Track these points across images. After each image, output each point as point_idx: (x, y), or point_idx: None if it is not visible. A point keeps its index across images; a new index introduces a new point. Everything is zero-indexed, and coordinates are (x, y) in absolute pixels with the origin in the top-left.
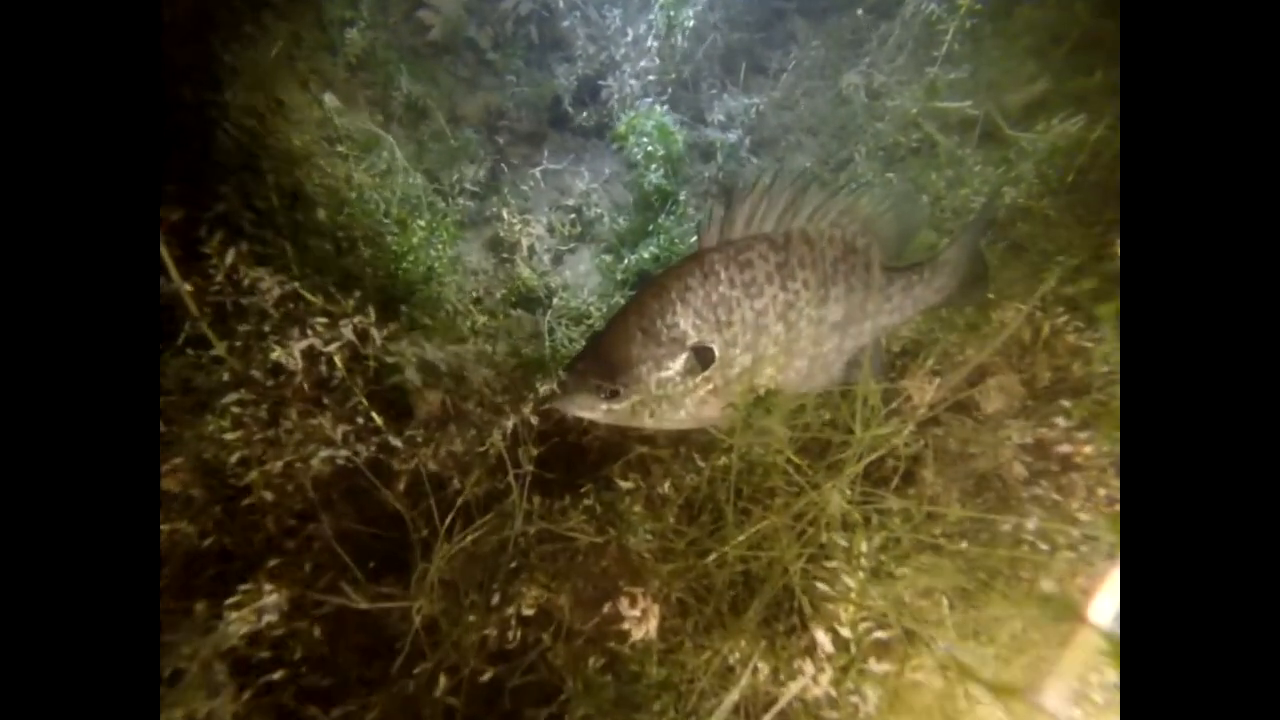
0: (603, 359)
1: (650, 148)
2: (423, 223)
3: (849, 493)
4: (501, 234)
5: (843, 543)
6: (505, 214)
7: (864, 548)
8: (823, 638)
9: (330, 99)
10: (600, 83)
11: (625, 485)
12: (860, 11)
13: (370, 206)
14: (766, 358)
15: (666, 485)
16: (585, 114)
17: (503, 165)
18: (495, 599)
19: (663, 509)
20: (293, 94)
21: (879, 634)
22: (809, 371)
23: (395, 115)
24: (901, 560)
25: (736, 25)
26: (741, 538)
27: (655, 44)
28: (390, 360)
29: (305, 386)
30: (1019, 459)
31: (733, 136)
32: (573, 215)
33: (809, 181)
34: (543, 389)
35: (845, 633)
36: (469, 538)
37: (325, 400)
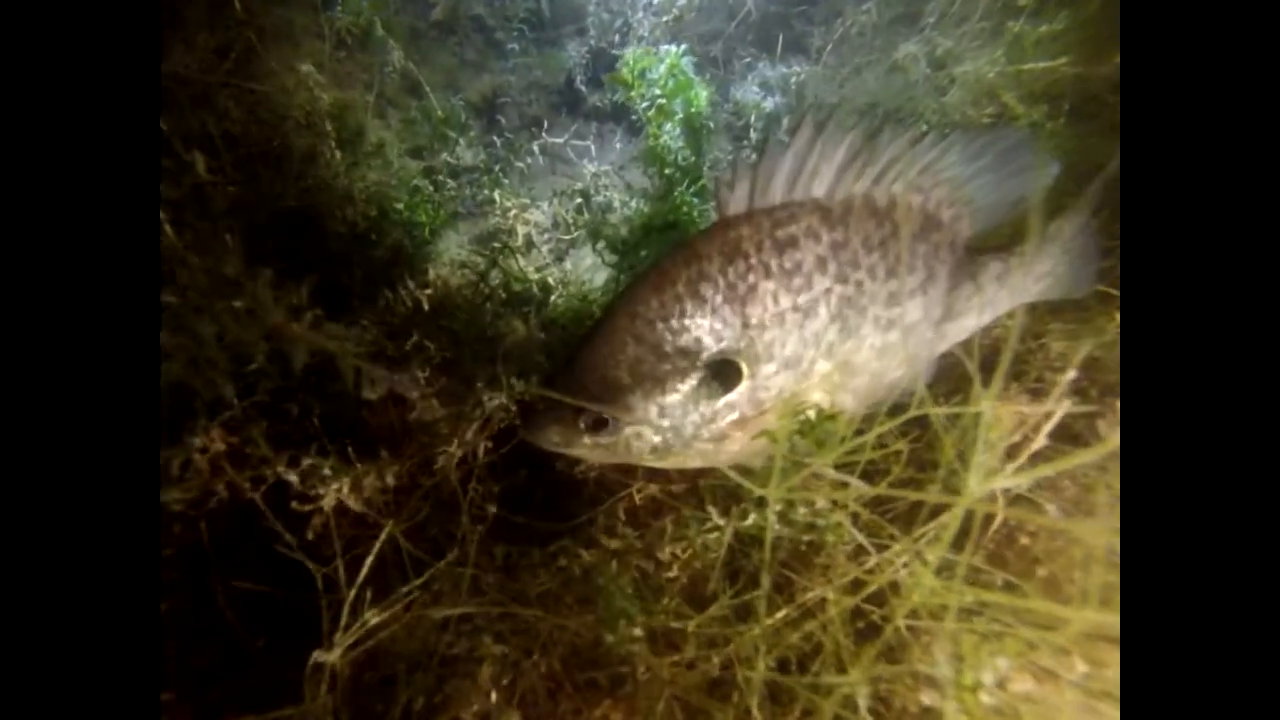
0: (584, 376)
1: (662, 100)
2: (400, 206)
3: (942, 572)
4: (495, 222)
5: (943, 665)
6: (498, 197)
7: (980, 677)
8: None
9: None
10: (615, 54)
11: (611, 544)
12: None
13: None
14: (814, 377)
15: (668, 549)
16: (598, 95)
17: (495, 141)
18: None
19: (662, 579)
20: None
21: None
22: (869, 392)
23: (389, 96)
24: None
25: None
26: (767, 623)
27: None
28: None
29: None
30: None
31: (770, 104)
32: (578, 201)
33: (880, 123)
34: (491, 403)
35: None
36: (372, 618)
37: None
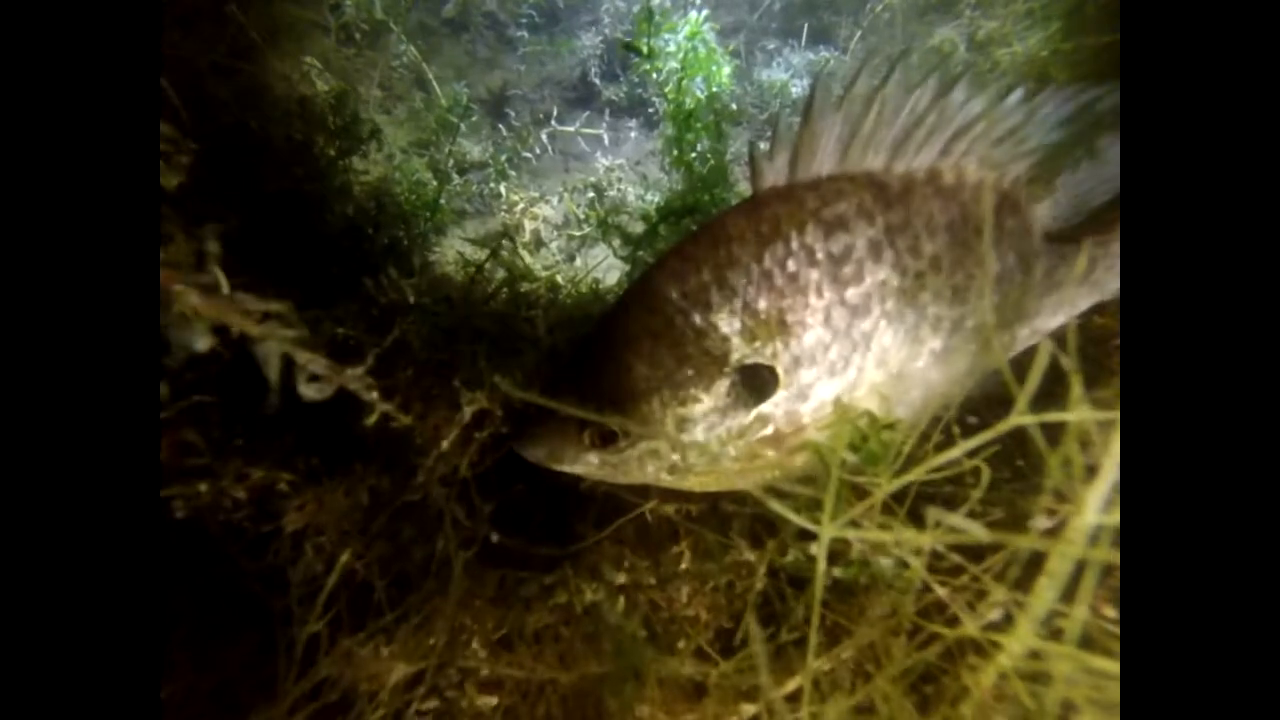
0: (590, 380)
1: (682, 74)
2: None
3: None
4: (502, 218)
5: None
6: (503, 191)
7: None
8: None
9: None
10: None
11: (618, 578)
12: None
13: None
14: (864, 386)
15: (686, 592)
16: (613, 89)
17: (504, 135)
18: None
19: (680, 615)
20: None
21: None
22: (925, 404)
23: (399, 92)
24: None
25: None
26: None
27: None
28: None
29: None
30: None
31: (798, 87)
32: (590, 195)
33: (955, 79)
34: (468, 407)
35: None
36: (325, 669)
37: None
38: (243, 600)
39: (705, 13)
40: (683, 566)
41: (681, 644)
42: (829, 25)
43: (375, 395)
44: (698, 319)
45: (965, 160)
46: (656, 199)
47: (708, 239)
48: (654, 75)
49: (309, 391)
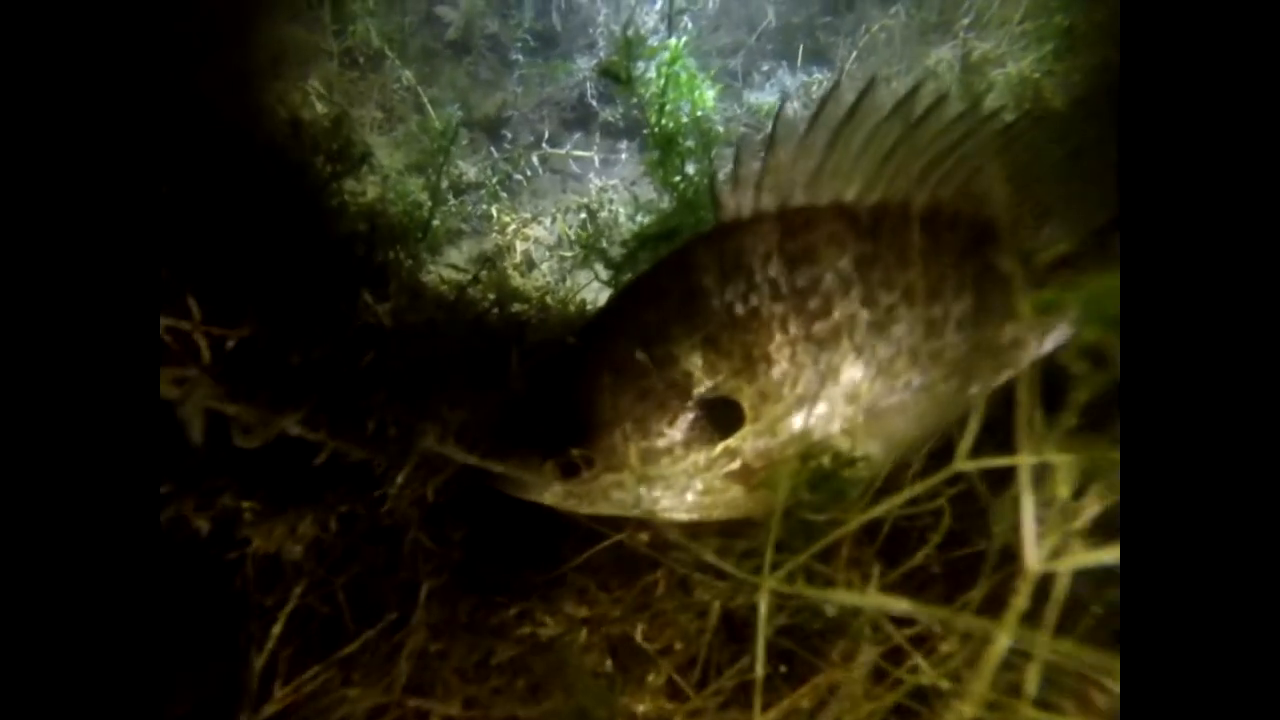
0: (554, 413)
1: (662, 99)
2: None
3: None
4: (495, 239)
5: None
6: (495, 212)
7: None
8: None
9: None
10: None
11: (579, 611)
12: None
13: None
14: (836, 421)
15: (655, 625)
16: (609, 110)
17: (493, 151)
18: None
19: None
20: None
21: None
22: (903, 439)
23: (400, 114)
24: None
25: (797, 8)
26: None
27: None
28: None
29: None
30: None
31: (791, 110)
32: (583, 216)
33: (935, 101)
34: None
35: None
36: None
37: None
38: (208, 628)
39: (685, 39)
40: (657, 596)
41: (652, 677)
42: (826, 46)
43: (321, 434)
44: (660, 352)
45: (941, 190)
46: (645, 220)
47: (671, 271)
48: (635, 101)
49: (245, 442)
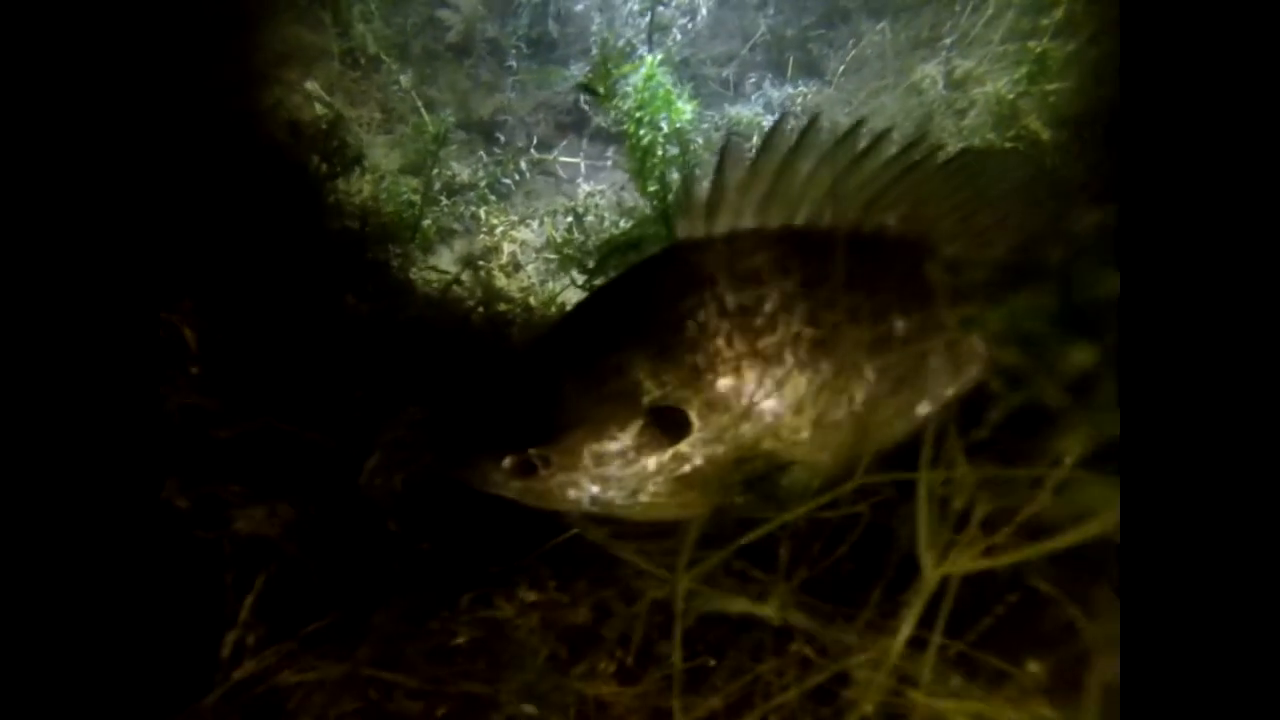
0: (510, 412)
1: (640, 113)
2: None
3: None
4: (482, 240)
5: None
6: (483, 214)
7: None
8: None
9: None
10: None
11: (529, 596)
12: None
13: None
14: (785, 430)
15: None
16: (602, 116)
17: (483, 155)
18: None
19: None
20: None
21: None
22: (854, 448)
23: (400, 115)
24: None
25: (791, 20)
26: None
27: (682, 22)
28: None
29: None
30: None
31: (770, 121)
32: (569, 220)
33: (878, 135)
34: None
35: None
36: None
37: None
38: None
39: (664, 53)
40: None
41: (604, 664)
42: (818, 58)
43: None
44: (613, 362)
45: (886, 216)
46: (627, 225)
47: (626, 285)
48: (613, 114)
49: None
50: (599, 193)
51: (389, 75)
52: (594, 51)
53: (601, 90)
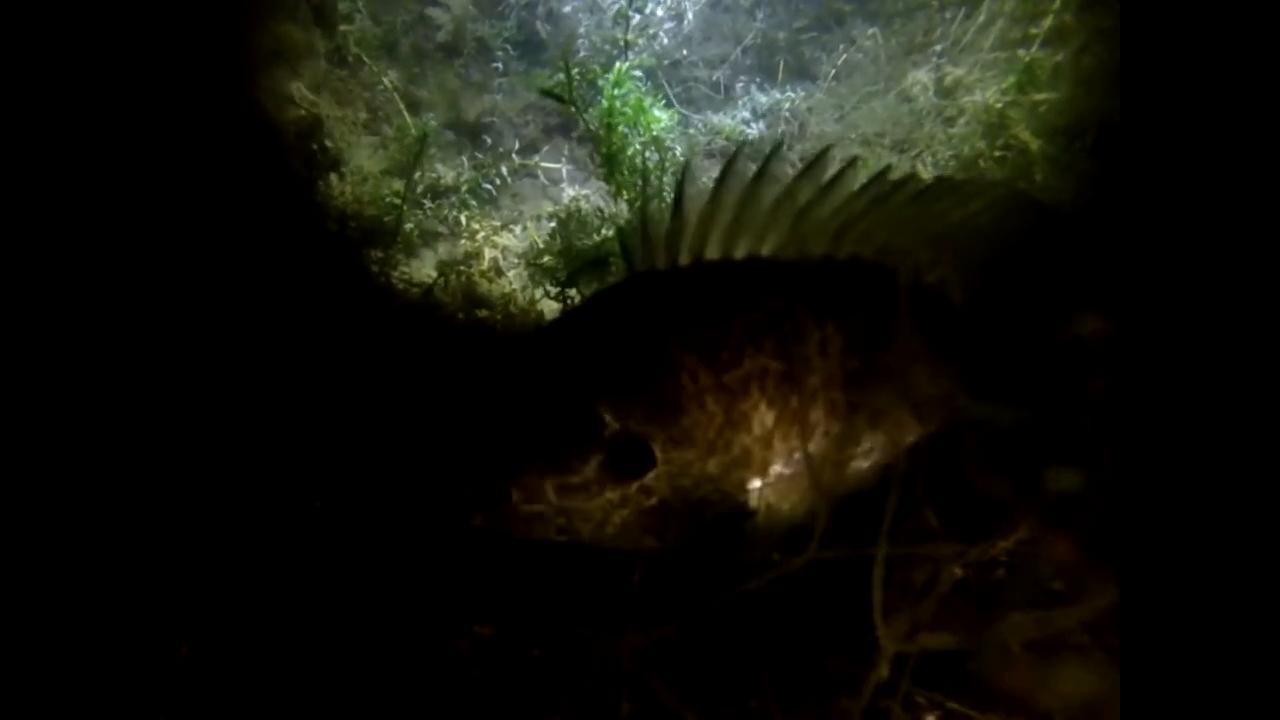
0: (473, 445)
1: (612, 119)
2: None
3: None
4: (464, 245)
5: None
6: (463, 219)
7: None
8: None
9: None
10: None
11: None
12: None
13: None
14: (754, 464)
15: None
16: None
17: (463, 160)
18: None
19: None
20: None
21: None
22: (831, 484)
23: (387, 115)
24: None
25: (783, 23)
26: None
27: (670, 25)
28: None
29: None
30: None
31: (754, 130)
32: (552, 225)
33: (844, 169)
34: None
35: None
36: None
37: None
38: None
39: (637, 60)
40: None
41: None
42: (810, 62)
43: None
44: (574, 394)
45: (861, 246)
46: (609, 233)
47: (587, 317)
48: (581, 123)
49: None
50: (583, 197)
51: (373, 75)
52: (583, 54)
53: (565, 98)
